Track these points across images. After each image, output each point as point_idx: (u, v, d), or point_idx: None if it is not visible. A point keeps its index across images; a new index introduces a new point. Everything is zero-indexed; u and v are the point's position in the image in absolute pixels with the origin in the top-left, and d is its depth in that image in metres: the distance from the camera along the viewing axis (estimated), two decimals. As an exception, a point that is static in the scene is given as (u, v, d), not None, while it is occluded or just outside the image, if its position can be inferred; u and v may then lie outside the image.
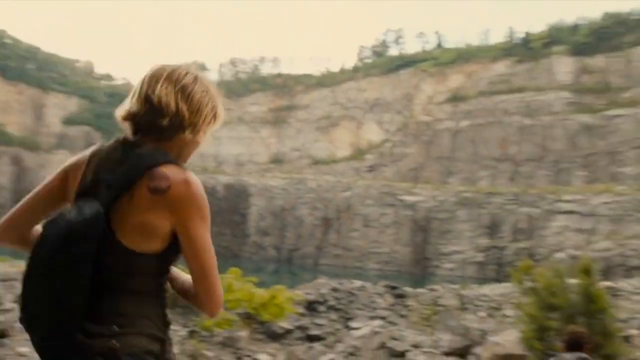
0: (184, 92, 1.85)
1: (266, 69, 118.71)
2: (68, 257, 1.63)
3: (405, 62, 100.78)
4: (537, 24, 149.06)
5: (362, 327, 13.41)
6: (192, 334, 12.10)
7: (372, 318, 14.76)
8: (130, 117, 1.86)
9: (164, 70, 1.87)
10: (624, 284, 21.10)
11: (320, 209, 74.88)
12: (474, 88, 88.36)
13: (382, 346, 11.38)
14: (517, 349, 10.29)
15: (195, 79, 1.90)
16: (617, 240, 53.16)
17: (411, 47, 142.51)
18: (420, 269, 65.88)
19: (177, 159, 1.85)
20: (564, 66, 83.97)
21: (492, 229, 65.88)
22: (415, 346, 11.33)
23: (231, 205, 77.91)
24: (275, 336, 14.30)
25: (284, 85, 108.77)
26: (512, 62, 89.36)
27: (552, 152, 73.82)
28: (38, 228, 1.88)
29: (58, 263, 1.63)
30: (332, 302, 16.48)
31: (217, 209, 77.20)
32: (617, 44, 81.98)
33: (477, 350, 11.21)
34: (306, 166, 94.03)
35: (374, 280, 20.37)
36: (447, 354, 11.09)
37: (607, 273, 41.19)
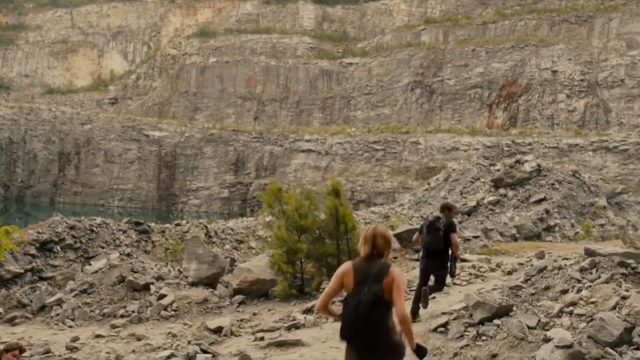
0: (388, 240, 4.47)
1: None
2: (375, 306, 4.18)
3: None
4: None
5: (98, 262, 12.39)
6: None
7: (116, 255, 13.99)
8: (370, 254, 4.36)
9: (378, 230, 4.44)
10: (354, 215, 23.35)
11: (56, 143, 68.72)
12: (222, 25, 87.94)
13: (122, 280, 10.58)
14: (267, 274, 10.42)
15: (386, 229, 4.53)
16: (348, 176, 58.76)
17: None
18: (166, 206, 65.10)
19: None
20: (307, 12, 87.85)
21: (238, 165, 67.63)
22: (160, 278, 10.83)
23: (-56, 136, 67.19)
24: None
25: (9, 1, 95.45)
26: (260, 2, 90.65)
27: (294, 94, 77.60)
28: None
29: (372, 309, 4.17)
30: (69, 241, 15.25)
31: None
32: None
33: (226, 278, 11.15)
34: (38, 95, 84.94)
35: (117, 218, 19.41)
36: (194, 284, 10.78)
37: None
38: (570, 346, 5.34)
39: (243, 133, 68.98)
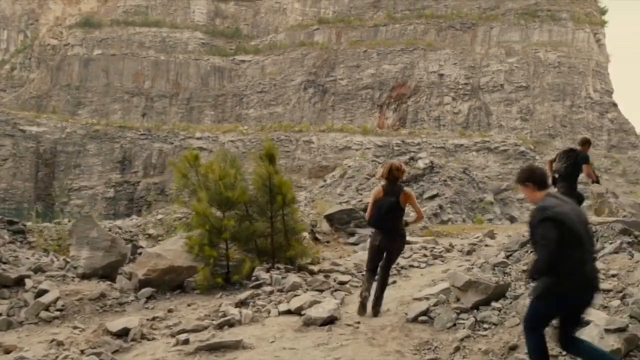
0: (400, 170, 7.19)
1: None
2: (393, 209, 7.01)
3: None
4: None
5: None
6: None
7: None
8: (391, 178, 7.14)
9: (393, 165, 7.19)
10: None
11: None
12: (108, 15, 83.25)
13: (-27, 275, 8.26)
14: (183, 260, 8.51)
15: (399, 163, 7.36)
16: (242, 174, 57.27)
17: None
18: (44, 206, 60.21)
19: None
20: (199, 7, 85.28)
21: (124, 164, 64.06)
22: (39, 270, 8.63)
23: None
24: None
25: None
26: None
27: (185, 90, 74.88)
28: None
29: (390, 210, 7.01)
30: None
31: None
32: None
33: (129, 267, 9.17)
34: None
35: (-12, 220, 16.86)
36: (86, 275, 8.64)
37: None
38: (624, 329, 4.42)
39: (130, 130, 65.49)
